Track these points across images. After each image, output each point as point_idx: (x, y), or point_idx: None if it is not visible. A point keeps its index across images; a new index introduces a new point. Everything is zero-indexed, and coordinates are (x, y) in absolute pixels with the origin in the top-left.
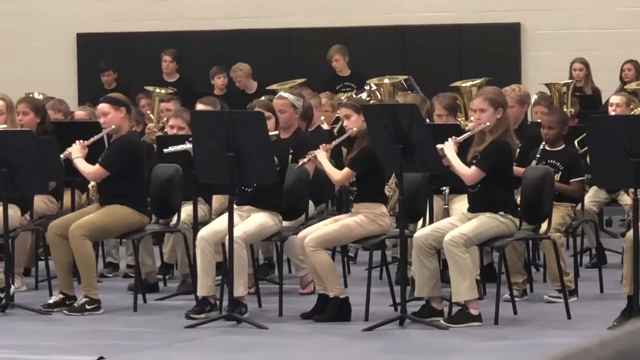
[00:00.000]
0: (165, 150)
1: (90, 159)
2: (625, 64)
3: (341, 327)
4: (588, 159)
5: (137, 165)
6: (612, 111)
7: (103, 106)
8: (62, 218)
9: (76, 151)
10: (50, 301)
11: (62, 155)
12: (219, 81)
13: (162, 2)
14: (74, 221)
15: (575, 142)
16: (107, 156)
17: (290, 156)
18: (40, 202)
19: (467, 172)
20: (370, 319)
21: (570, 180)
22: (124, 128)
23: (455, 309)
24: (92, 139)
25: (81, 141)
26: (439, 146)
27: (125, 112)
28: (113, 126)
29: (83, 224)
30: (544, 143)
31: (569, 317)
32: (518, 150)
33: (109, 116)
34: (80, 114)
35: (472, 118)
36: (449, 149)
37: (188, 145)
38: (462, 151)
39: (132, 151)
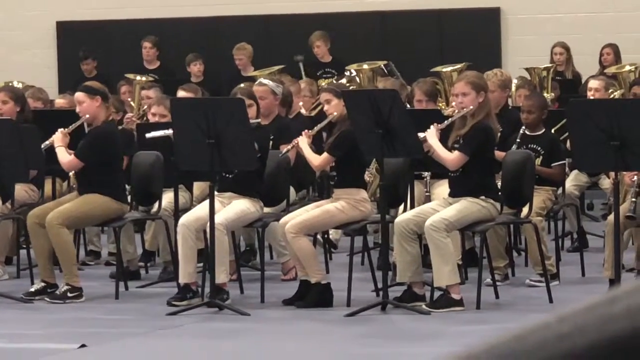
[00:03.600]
0: (147, 135)
1: (73, 147)
2: (604, 48)
3: (323, 313)
4: (568, 144)
5: (114, 155)
6: (590, 96)
7: (78, 95)
8: (41, 207)
9: (58, 140)
10: (32, 289)
11: (46, 143)
12: (195, 68)
13: None
14: (53, 210)
15: (553, 130)
16: (82, 147)
17: (270, 142)
18: (21, 190)
19: (450, 157)
20: (352, 304)
21: (551, 165)
22: (99, 117)
23: (437, 294)
24: (71, 127)
25: (62, 129)
26: (421, 135)
27: (101, 101)
28: (87, 115)
29: (60, 212)
30: (524, 127)
31: (550, 301)
32: (499, 134)
33: (84, 105)
34: (60, 102)
35: (453, 104)
36: (431, 136)
37: (170, 131)
38: (444, 135)
39: (107, 141)
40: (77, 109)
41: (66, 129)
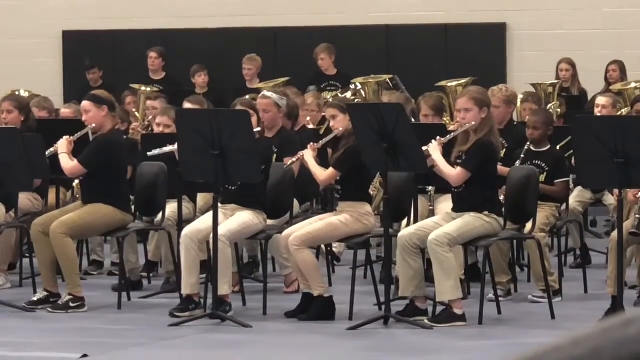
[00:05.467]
0: (149, 154)
1: (77, 155)
2: (610, 64)
3: (325, 326)
4: (573, 160)
5: (118, 164)
6: (598, 112)
7: (85, 104)
8: (45, 216)
9: (62, 146)
10: (34, 299)
11: (51, 150)
12: (199, 79)
13: None
14: (57, 219)
15: (558, 147)
16: (86, 153)
17: (274, 155)
18: (25, 199)
19: (453, 173)
20: (355, 318)
21: (555, 181)
22: (105, 126)
23: (439, 309)
24: (76, 135)
25: (68, 137)
26: (424, 148)
27: (108, 111)
28: (94, 125)
29: (64, 222)
30: (528, 143)
31: (553, 317)
32: (504, 150)
33: (90, 114)
34: (66, 111)
35: (457, 119)
36: (434, 150)
37: (172, 147)
38: (446, 151)
39: (111, 150)
40: (84, 118)
41: (72, 137)
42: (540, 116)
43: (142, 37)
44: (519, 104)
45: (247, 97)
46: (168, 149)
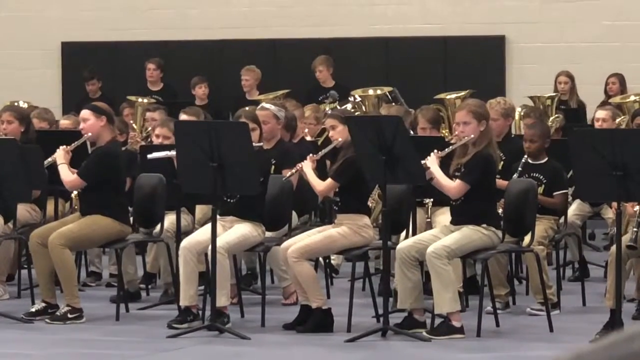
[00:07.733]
0: (148, 156)
1: (75, 166)
2: (610, 77)
3: (323, 338)
4: (571, 172)
5: (117, 176)
6: (598, 126)
7: (84, 112)
8: (44, 227)
9: (60, 157)
10: (33, 310)
11: (48, 160)
12: (200, 91)
13: (147, 11)
14: (55, 230)
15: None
16: (85, 166)
17: (272, 167)
18: (24, 210)
19: (452, 185)
20: (353, 330)
21: (554, 194)
22: (103, 137)
23: (437, 321)
24: (73, 144)
25: (64, 146)
26: (422, 161)
27: (106, 122)
28: (90, 133)
29: (62, 233)
30: (526, 156)
31: (551, 330)
32: (502, 163)
33: (88, 123)
34: (65, 122)
35: (456, 132)
36: (432, 163)
37: (172, 152)
38: (444, 163)
39: (110, 161)
40: (81, 126)
41: (68, 147)
42: (537, 129)
43: (141, 49)
44: (517, 117)
45: (247, 108)
46: (169, 152)
